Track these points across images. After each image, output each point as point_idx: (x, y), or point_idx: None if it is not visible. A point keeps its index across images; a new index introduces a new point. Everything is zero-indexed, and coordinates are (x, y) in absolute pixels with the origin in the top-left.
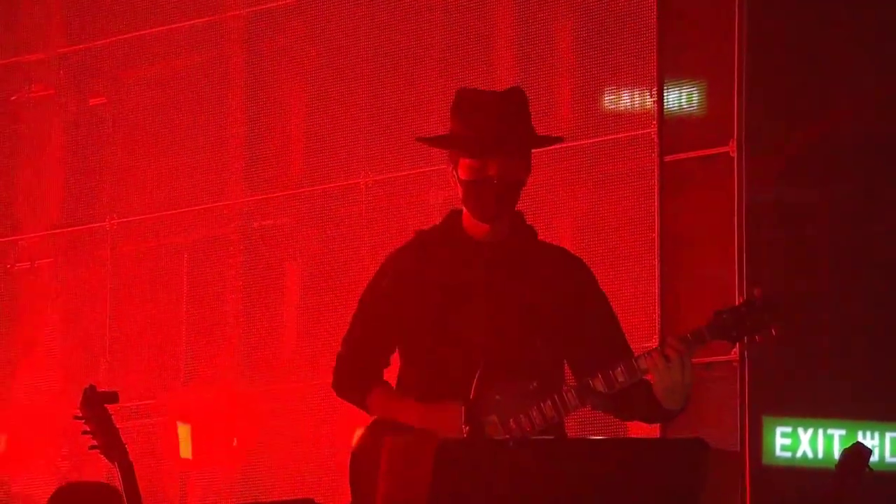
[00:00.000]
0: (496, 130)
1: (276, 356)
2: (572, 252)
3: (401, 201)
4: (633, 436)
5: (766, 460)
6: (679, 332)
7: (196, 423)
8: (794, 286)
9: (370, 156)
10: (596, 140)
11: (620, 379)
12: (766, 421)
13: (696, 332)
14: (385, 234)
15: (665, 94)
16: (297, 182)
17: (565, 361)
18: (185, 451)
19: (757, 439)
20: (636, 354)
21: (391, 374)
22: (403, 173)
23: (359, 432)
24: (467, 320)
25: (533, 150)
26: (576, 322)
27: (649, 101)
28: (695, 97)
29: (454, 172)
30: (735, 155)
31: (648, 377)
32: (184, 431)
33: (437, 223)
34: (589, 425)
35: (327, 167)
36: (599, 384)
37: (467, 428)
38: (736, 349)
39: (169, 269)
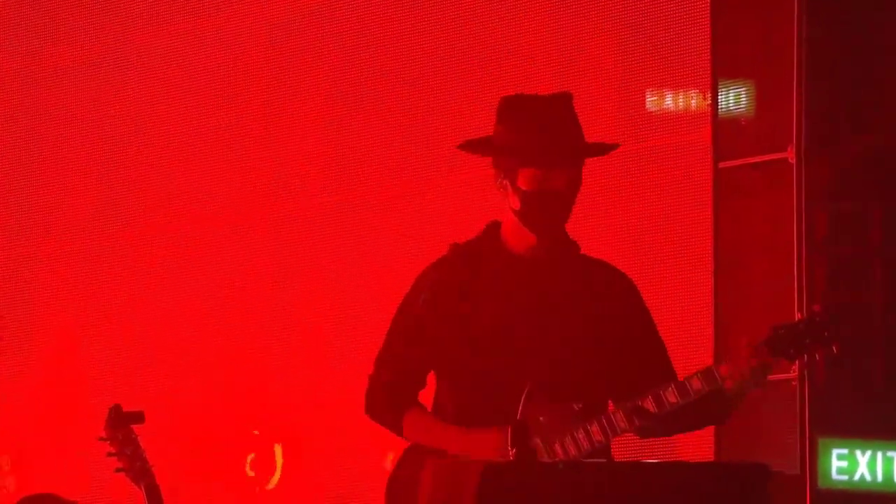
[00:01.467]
0: (562, 139)
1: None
2: (616, 267)
3: (431, 211)
4: (684, 459)
5: (822, 484)
6: (733, 349)
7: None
8: (850, 300)
9: (403, 166)
10: (642, 145)
11: (672, 400)
12: (822, 443)
13: (755, 348)
14: (417, 247)
15: (719, 97)
16: (317, 193)
17: (609, 381)
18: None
19: (812, 462)
20: (687, 375)
21: (426, 396)
22: (435, 182)
23: (391, 457)
24: (510, 339)
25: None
26: (621, 341)
27: (702, 103)
28: (750, 99)
29: (503, 182)
30: (794, 161)
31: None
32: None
33: (474, 237)
34: (631, 447)
35: (360, 176)
36: (650, 405)
37: (514, 450)
38: (795, 367)
39: (194, 281)
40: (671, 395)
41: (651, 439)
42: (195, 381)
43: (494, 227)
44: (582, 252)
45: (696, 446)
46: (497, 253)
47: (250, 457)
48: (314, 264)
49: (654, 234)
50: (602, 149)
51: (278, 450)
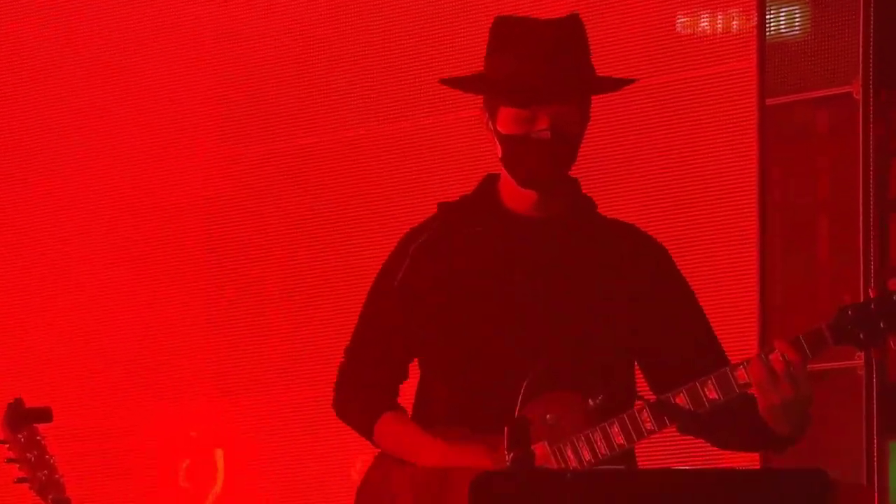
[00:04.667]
0: (549, 70)
1: (258, 364)
2: (642, 229)
3: (417, 157)
4: (725, 465)
5: (894, 499)
6: (789, 334)
7: (167, 446)
8: None
9: (374, 102)
10: (671, 77)
11: (711, 395)
12: (894, 447)
13: (814, 334)
14: (398, 201)
15: (767, 17)
16: (277, 135)
17: (640, 369)
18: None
19: (883, 469)
20: (733, 363)
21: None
22: (417, 122)
23: (359, 464)
24: (510, 318)
25: (593, 97)
26: (652, 319)
27: (745, 25)
28: (805, 19)
29: (490, 124)
30: (860, 97)
31: (752, 391)
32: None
33: (468, 193)
34: (662, 450)
35: (316, 116)
36: (683, 401)
37: (512, 455)
38: (861, 356)
39: (121, 256)
40: (710, 390)
41: (685, 440)
42: (116, 373)
43: (491, 182)
44: (600, 212)
45: (741, 453)
46: (495, 212)
47: (185, 464)
48: (254, 231)
49: (686, 188)
50: (606, 84)
51: (219, 455)
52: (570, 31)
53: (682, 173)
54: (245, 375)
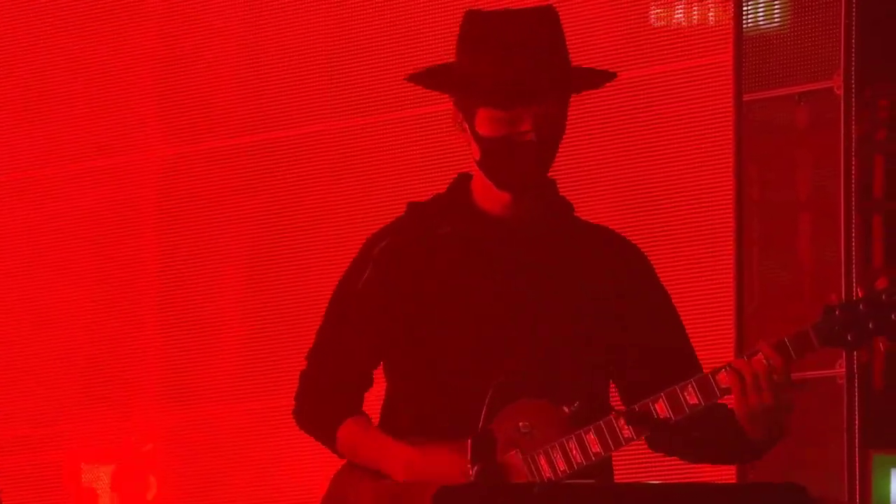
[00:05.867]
0: (531, 69)
1: (211, 373)
2: (620, 234)
3: (384, 156)
4: (701, 479)
5: None
6: (767, 337)
7: (102, 461)
8: None
9: (337, 98)
10: (645, 72)
11: (692, 401)
12: (878, 460)
13: (799, 336)
14: (364, 200)
15: (745, 9)
16: (231, 131)
17: (611, 379)
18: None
19: (865, 483)
20: (715, 367)
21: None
22: (382, 117)
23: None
24: (477, 322)
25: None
26: (628, 325)
27: (722, 17)
28: (785, 11)
29: (464, 125)
30: (841, 93)
31: (732, 396)
32: (105, 475)
33: (440, 193)
34: (641, 464)
35: (274, 112)
36: (662, 406)
37: (475, 468)
38: (842, 362)
39: (61, 250)
40: (690, 395)
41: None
42: (65, 384)
43: (464, 181)
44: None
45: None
46: (467, 214)
47: (115, 472)
48: (209, 236)
49: (661, 186)
50: (589, 79)
51: (152, 480)
52: (548, 25)
53: (656, 171)
54: (199, 384)
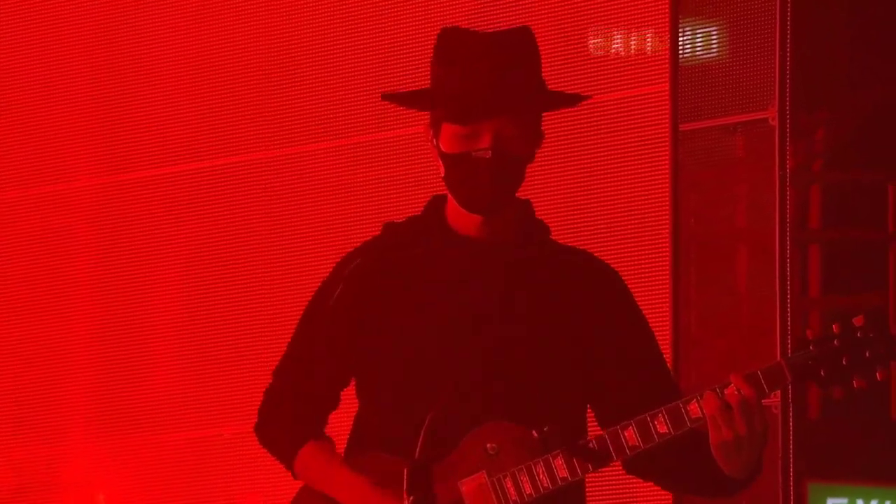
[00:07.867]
0: (490, 84)
1: (146, 395)
2: (597, 257)
3: (356, 177)
4: None
5: None
6: (703, 369)
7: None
8: (851, 303)
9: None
10: (582, 103)
11: (661, 429)
12: (813, 489)
13: (771, 370)
14: (341, 224)
15: (682, 39)
16: (186, 154)
17: (588, 404)
18: None
19: None
20: (686, 397)
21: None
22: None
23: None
24: (449, 344)
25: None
26: (602, 349)
27: (659, 47)
28: (722, 43)
29: (434, 142)
30: (776, 123)
31: (704, 427)
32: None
33: (416, 214)
34: (615, 488)
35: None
36: (632, 434)
37: (411, 499)
38: (777, 393)
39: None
40: (660, 424)
41: (603, 482)
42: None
43: (439, 202)
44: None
45: (655, 490)
46: (438, 233)
47: None
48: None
49: (597, 215)
50: (555, 100)
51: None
52: (520, 45)
53: (592, 199)
54: (131, 414)
